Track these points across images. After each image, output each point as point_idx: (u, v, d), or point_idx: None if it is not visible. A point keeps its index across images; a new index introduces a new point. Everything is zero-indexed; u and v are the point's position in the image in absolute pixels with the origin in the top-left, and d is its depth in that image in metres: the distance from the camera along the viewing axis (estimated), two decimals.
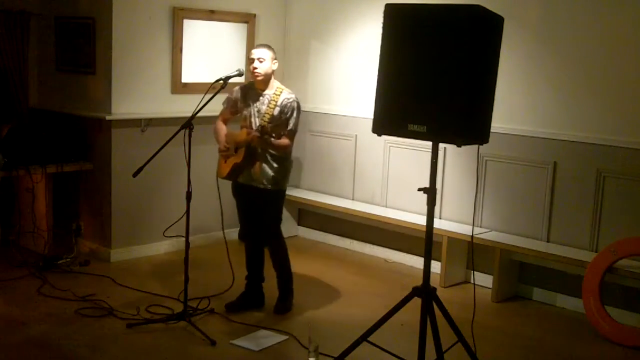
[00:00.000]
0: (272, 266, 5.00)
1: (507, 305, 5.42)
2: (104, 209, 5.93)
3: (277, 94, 4.71)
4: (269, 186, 4.74)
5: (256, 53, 4.70)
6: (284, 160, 4.77)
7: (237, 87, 4.90)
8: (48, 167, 5.66)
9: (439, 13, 3.49)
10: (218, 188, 4.81)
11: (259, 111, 4.72)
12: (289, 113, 4.69)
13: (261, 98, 4.73)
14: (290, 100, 4.71)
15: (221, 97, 4.84)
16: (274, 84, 4.78)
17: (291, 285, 5.03)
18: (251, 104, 4.75)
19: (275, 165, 4.72)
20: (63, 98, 6.18)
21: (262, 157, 4.69)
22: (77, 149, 5.97)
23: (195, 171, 4.68)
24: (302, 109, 4.92)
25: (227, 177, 4.84)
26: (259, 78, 4.69)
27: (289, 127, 4.69)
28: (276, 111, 4.67)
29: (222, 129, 4.87)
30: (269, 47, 4.75)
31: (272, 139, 4.54)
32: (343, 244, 6.74)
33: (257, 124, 4.68)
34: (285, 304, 4.97)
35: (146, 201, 6.05)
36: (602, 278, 4.87)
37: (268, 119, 4.65)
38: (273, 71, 4.74)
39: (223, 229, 5.04)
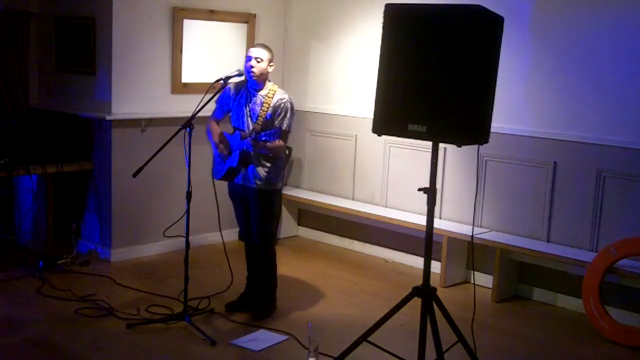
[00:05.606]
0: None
1: (507, 305, 5.42)
2: (104, 209, 5.93)
3: (270, 96, 4.67)
4: (262, 186, 4.72)
5: (254, 52, 4.67)
6: (277, 160, 4.75)
7: (228, 86, 4.80)
8: (48, 167, 5.65)
9: (439, 13, 3.49)
10: (214, 188, 4.81)
11: (252, 111, 4.69)
12: (282, 113, 4.66)
13: (254, 98, 4.70)
14: (284, 100, 4.68)
15: None
16: (268, 84, 4.74)
17: (274, 292, 4.96)
18: (244, 103, 4.73)
19: (267, 165, 4.70)
20: (63, 98, 6.18)
21: (255, 159, 4.67)
22: (77, 149, 5.97)
23: (195, 171, 4.67)
24: (302, 109, 4.92)
25: (223, 179, 4.83)
26: (254, 77, 4.66)
27: (282, 128, 4.66)
28: (270, 112, 4.65)
29: (216, 130, 4.84)
30: (268, 48, 4.72)
31: (266, 143, 4.52)
32: (343, 244, 6.73)
33: (250, 125, 4.66)
34: (266, 310, 4.88)
35: (146, 201, 6.05)
36: (602, 278, 4.87)
37: (262, 121, 4.63)
38: (268, 72, 4.71)
39: (220, 229, 5.04)
